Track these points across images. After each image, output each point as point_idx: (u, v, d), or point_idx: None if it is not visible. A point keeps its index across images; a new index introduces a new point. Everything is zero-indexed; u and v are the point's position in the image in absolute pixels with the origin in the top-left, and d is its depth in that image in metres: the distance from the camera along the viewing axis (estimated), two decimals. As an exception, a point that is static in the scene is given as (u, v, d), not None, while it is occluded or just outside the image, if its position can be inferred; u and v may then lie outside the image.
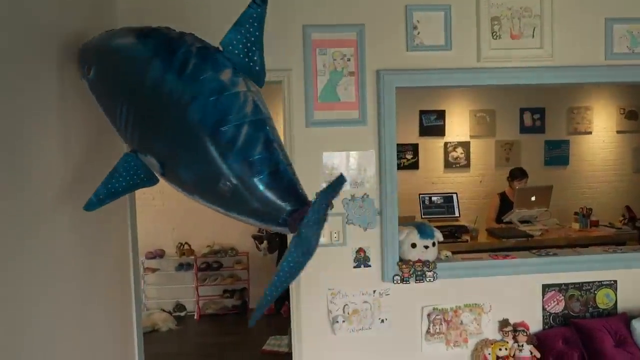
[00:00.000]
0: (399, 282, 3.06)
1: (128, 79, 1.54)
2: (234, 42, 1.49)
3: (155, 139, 1.49)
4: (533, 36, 3.05)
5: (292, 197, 1.36)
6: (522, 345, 3.08)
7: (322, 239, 2.99)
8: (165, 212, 6.05)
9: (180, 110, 1.39)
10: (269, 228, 1.48)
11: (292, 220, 1.35)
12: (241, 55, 1.49)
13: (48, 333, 1.90)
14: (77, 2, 2.23)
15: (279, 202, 1.35)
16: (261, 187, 1.34)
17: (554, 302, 3.23)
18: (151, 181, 1.67)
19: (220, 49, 1.51)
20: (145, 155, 1.57)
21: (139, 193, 3.15)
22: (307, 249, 1.38)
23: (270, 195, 1.35)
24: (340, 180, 1.33)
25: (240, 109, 1.36)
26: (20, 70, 1.65)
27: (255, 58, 1.52)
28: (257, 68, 1.52)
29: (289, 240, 3.01)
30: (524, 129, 6.53)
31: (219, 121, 1.34)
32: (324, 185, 1.37)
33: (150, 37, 1.55)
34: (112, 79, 1.65)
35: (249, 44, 1.49)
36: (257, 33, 1.51)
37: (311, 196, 1.41)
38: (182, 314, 6.14)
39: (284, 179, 1.36)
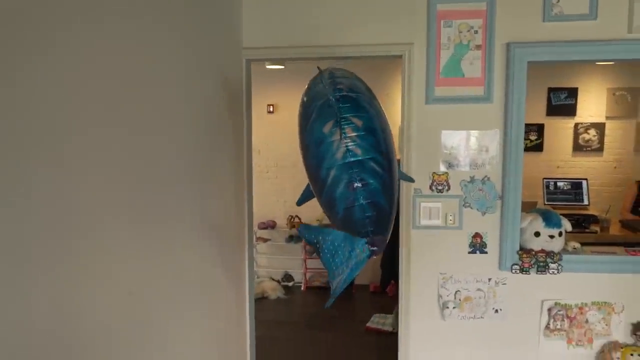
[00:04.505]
0: (518, 272, 2.86)
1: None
2: None
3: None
4: (700, 2, 2.61)
5: (359, 232, 1.69)
6: (660, 353, 2.75)
7: (437, 221, 2.91)
8: (278, 185, 6.25)
9: (305, 153, 1.85)
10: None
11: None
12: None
13: (178, 288, 2.04)
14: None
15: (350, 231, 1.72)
16: (338, 217, 1.71)
17: (703, 309, 2.83)
18: None
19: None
20: None
21: (254, 165, 3.26)
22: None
23: (343, 225, 1.73)
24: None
25: (333, 156, 1.69)
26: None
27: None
28: None
29: (399, 220, 2.96)
30: (674, 110, 5.75)
31: (319, 163, 1.73)
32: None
33: (312, 87, 1.91)
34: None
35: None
36: None
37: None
38: (290, 284, 6.35)
39: (354, 217, 1.67)
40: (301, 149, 1.90)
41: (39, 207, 1.25)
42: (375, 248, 1.65)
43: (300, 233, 1.83)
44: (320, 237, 1.75)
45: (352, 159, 1.68)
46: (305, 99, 1.92)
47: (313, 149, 1.76)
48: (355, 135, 1.71)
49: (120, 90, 1.63)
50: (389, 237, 1.73)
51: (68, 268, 1.37)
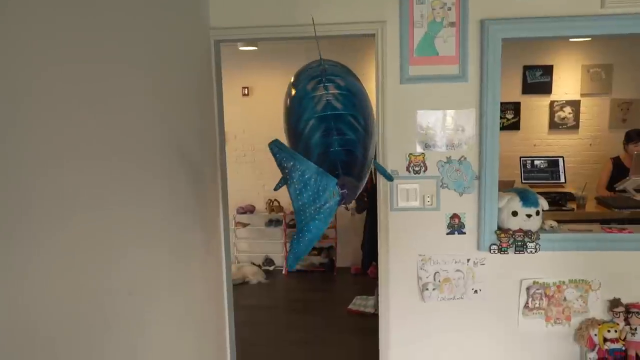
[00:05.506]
0: (496, 252, 2.84)
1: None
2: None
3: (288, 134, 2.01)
4: (675, -25, 2.58)
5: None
6: (636, 329, 2.77)
7: (415, 203, 2.87)
8: (256, 169, 6.17)
9: (288, 111, 1.96)
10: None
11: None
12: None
13: (146, 282, 1.96)
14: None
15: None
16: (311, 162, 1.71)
17: (678, 283, 2.85)
18: None
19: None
20: None
21: (231, 150, 3.17)
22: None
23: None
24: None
25: (313, 108, 1.77)
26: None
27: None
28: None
29: (377, 202, 2.91)
30: (647, 86, 5.79)
31: (299, 117, 1.81)
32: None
33: (308, 69, 2.03)
34: None
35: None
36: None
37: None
38: (271, 268, 6.32)
39: (327, 160, 1.69)
40: (284, 115, 1.98)
41: None
42: (345, 191, 1.63)
43: (271, 149, 1.62)
44: (292, 163, 1.60)
45: (332, 112, 1.74)
46: (296, 75, 2.04)
47: (295, 105, 1.84)
48: (338, 93, 1.78)
49: (81, 77, 1.54)
50: (360, 187, 1.72)
51: (52, 255, 1.29)
